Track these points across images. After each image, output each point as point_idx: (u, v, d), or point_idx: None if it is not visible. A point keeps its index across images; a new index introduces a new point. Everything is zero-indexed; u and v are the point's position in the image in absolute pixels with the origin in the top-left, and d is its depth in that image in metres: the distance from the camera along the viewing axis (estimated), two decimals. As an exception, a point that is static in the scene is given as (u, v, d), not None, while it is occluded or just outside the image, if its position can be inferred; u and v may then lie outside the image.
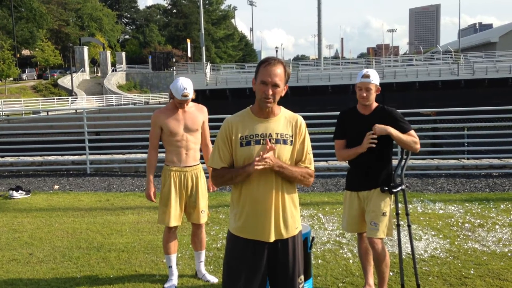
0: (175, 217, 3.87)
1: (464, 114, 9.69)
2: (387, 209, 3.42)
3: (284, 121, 2.54)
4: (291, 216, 2.56)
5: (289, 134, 2.53)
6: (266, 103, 2.47)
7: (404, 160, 3.52)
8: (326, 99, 35.80)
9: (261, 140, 2.50)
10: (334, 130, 3.67)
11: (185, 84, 3.77)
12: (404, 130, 3.43)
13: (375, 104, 3.54)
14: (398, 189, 3.37)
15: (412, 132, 3.46)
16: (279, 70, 2.44)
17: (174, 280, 3.99)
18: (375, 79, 3.45)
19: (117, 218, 6.13)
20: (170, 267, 4.02)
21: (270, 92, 2.43)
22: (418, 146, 3.46)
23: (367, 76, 3.43)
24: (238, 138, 2.51)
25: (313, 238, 3.59)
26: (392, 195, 3.47)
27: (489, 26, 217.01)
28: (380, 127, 3.36)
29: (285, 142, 2.51)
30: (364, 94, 3.44)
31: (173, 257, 4.02)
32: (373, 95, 3.47)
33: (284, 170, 2.48)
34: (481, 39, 76.01)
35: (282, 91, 2.49)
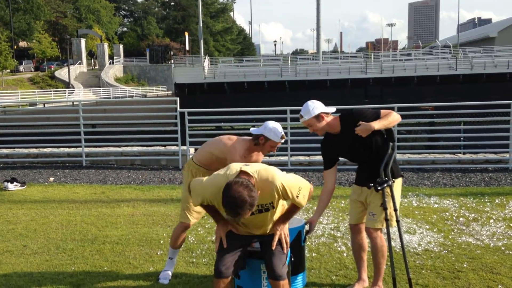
0: (198, 216, 3.88)
1: (461, 108, 9.70)
2: (386, 200, 3.43)
3: (261, 194, 2.76)
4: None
5: (269, 202, 2.87)
6: None
7: (389, 155, 3.49)
8: (324, 93, 35.78)
9: None
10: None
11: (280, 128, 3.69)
12: (378, 116, 3.42)
13: (334, 120, 3.52)
14: (384, 185, 3.37)
15: (383, 111, 3.47)
16: (245, 216, 2.68)
17: (171, 270, 3.99)
18: (308, 113, 3.45)
19: (112, 210, 6.12)
20: (171, 258, 4.01)
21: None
22: (396, 114, 3.45)
23: (300, 116, 3.50)
24: (222, 209, 2.85)
25: (307, 231, 3.59)
26: (388, 188, 3.46)
27: (488, 21, 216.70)
28: (363, 130, 3.36)
29: (267, 210, 2.89)
30: (311, 131, 3.54)
31: (177, 251, 4.04)
32: (319, 125, 3.47)
33: (287, 223, 3.10)
34: (480, 34, 75.99)
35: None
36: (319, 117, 3.46)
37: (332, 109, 3.53)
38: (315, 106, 3.47)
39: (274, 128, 3.61)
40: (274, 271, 2.83)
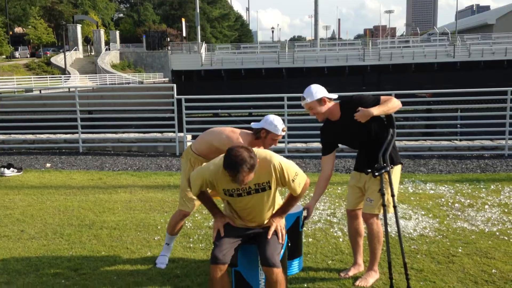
0: (198, 203, 3.87)
1: (458, 95, 9.71)
2: (384, 186, 3.45)
3: (259, 171, 2.82)
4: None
5: (266, 181, 2.90)
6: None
7: (388, 142, 3.50)
8: (322, 80, 35.45)
9: (242, 193, 2.92)
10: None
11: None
12: (378, 102, 3.42)
13: (335, 107, 3.52)
14: (382, 171, 3.39)
15: (383, 97, 3.47)
16: (244, 175, 2.68)
17: (167, 255, 4.01)
18: (311, 95, 3.45)
19: (109, 196, 6.13)
20: (168, 244, 4.03)
21: (242, 185, 2.80)
22: (397, 101, 3.44)
23: (302, 99, 3.49)
24: (221, 189, 2.95)
25: (305, 217, 3.62)
26: (387, 174, 3.47)
27: (487, 8, 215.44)
28: (362, 116, 3.37)
29: (263, 189, 2.92)
30: (311, 114, 3.53)
31: (174, 238, 4.07)
32: (320, 109, 3.48)
33: (286, 214, 3.13)
34: (478, 21, 75.69)
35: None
36: (321, 101, 3.47)
37: (334, 95, 3.54)
38: (318, 90, 3.48)
39: (274, 121, 3.62)
40: (268, 259, 2.83)
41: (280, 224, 3.05)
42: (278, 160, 2.91)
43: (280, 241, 2.99)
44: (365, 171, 3.45)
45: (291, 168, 2.94)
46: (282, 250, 3.04)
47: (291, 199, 3.09)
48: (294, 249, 3.67)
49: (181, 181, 3.92)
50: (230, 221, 3.07)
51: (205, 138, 3.83)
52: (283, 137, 8.90)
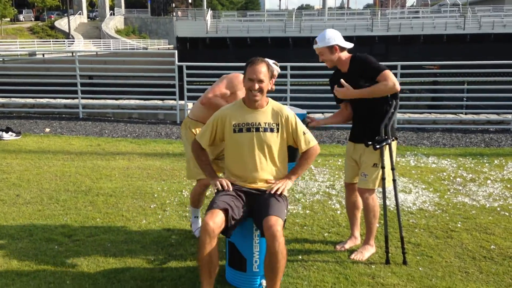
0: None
1: (466, 68, 9.49)
2: (378, 161, 3.36)
3: (271, 112, 2.99)
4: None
5: (275, 123, 2.97)
6: (254, 97, 2.89)
7: (390, 114, 3.37)
8: (328, 50, 34.98)
9: (251, 128, 2.94)
10: None
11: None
12: (377, 74, 3.24)
13: (346, 58, 3.40)
14: (383, 144, 3.28)
15: (384, 73, 3.22)
16: (263, 68, 2.88)
17: (198, 226, 3.87)
18: (323, 41, 3.33)
19: (107, 163, 6.08)
20: (197, 217, 3.94)
21: (257, 86, 2.86)
22: (391, 84, 3.19)
23: (314, 42, 3.38)
24: (231, 125, 2.96)
25: (308, 122, 3.54)
26: (387, 147, 3.37)
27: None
28: (341, 92, 3.32)
29: (272, 130, 2.96)
30: (320, 60, 3.42)
31: (199, 210, 3.96)
32: (330, 56, 3.36)
33: (296, 176, 3.04)
34: (490, -8, 73.80)
35: (267, 85, 2.92)
36: (332, 49, 3.35)
37: (350, 45, 3.41)
38: (332, 36, 3.35)
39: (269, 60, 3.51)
40: (269, 210, 2.73)
41: (286, 184, 2.95)
42: (292, 112, 3.04)
43: (274, 190, 2.88)
44: (365, 143, 3.34)
45: (304, 127, 3.06)
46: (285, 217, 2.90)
47: (302, 159, 3.04)
48: (292, 154, 3.61)
49: (185, 151, 3.82)
50: (229, 180, 2.98)
51: (199, 99, 3.79)
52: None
